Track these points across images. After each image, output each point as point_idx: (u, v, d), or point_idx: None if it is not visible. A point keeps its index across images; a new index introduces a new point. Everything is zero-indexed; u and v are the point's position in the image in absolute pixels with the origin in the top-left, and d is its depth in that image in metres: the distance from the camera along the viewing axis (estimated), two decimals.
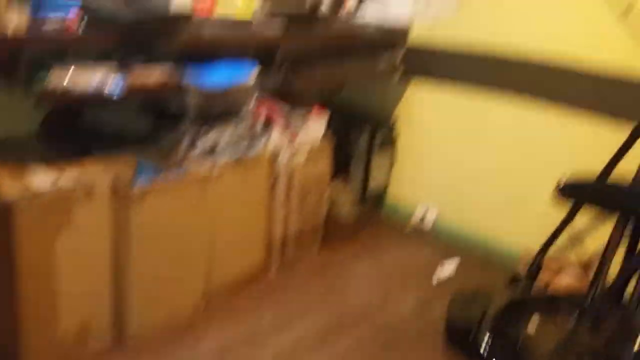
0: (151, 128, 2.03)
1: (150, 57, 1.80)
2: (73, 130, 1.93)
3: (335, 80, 2.79)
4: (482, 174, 2.72)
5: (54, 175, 1.64)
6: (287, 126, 2.27)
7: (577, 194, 1.75)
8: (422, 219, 2.97)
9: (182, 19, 1.87)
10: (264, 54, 2.17)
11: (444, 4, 2.68)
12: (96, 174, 1.71)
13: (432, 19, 2.73)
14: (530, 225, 2.41)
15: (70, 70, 1.61)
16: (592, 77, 2.27)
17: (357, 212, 2.97)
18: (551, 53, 2.38)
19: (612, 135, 2.05)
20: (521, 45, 2.46)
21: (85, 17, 1.64)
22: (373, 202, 3.11)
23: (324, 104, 3.07)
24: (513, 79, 2.53)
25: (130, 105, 2.04)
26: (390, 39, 2.78)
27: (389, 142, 3.01)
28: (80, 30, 1.63)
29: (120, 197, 1.74)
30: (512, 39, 2.49)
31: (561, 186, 1.71)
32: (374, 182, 3.03)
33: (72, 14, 1.63)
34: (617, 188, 1.73)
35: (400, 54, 2.81)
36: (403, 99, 2.99)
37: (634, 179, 1.69)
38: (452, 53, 2.70)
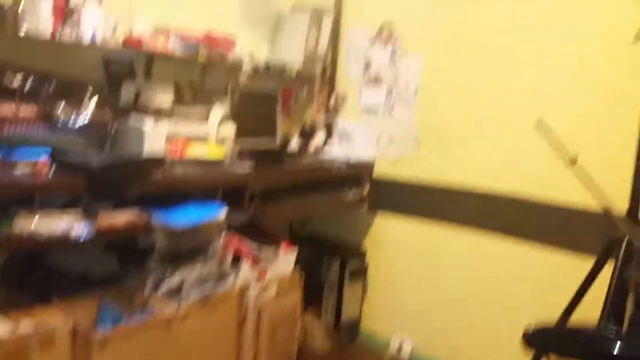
0: (116, 268, 2.02)
1: (121, 199, 1.84)
2: (35, 274, 1.91)
3: (304, 212, 2.87)
4: (453, 306, 2.72)
5: (13, 322, 1.59)
6: (256, 262, 2.28)
7: (541, 344, 1.74)
8: (399, 350, 2.90)
9: (155, 163, 1.95)
10: (233, 192, 2.24)
11: (404, 143, 2.85)
12: (57, 319, 1.67)
13: (394, 156, 2.90)
14: (507, 358, 2.38)
15: (38, 215, 1.63)
16: (550, 211, 2.37)
17: (331, 344, 2.90)
18: (508, 190, 2.50)
19: (578, 266, 2.11)
20: (480, 182, 2.59)
21: (56, 163, 1.70)
22: (347, 332, 3.04)
23: (294, 234, 3.12)
24: (475, 213, 2.63)
25: (96, 246, 2.05)
26: (356, 172, 2.91)
27: (360, 271, 3.03)
28: (50, 175, 1.68)
29: (82, 343, 1.67)
30: (470, 176, 2.63)
31: (526, 336, 1.71)
32: (347, 313, 3.00)
33: (43, 158, 1.69)
34: (580, 333, 1.73)
35: (366, 187, 2.92)
36: (371, 229, 3.05)
37: (599, 320, 1.71)
38: (416, 186, 2.82)
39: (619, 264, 1.80)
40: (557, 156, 1.94)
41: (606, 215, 1.86)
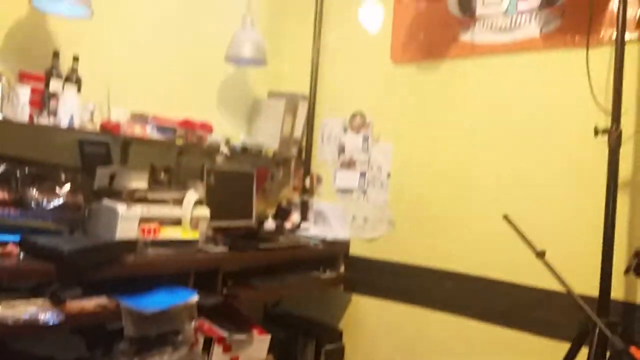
0: (83, 354, 1.95)
1: (91, 284, 1.81)
2: None
3: (279, 293, 2.83)
4: None
5: None
6: (228, 348, 2.22)
7: None
8: None
9: (127, 247, 1.94)
10: (206, 274, 2.22)
11: (379, 225, 2.89)
12: None
13: (369, 237, 2.93)
14: None
15: (5, 300, 1.59)
16: (525, 294, 2.39)
17: None
18: (482, 273, 2.53)
19: (556, 348, 2.12)
20: (453, 265, 2.62)
21: (26, 248, 1.68)
22: None
23: (268, 314, 3.07)
24: (450, 295, 2.63)
25: (63, 331, 1.98)
26: (332, 252, 2.92)
27: (337, 353, 2.95)
28: (19, 260, 1.66)
29: None
30: (443, 259, 2.65)
31: None
32: None
33: (13, 242, 1.68)
34: None
35: (342, 267, 2.92)
36: (348, 310, 3.01)
37: None
38: (391, 267, 2.82)
39: (592, 353, 1.80)
40: (526, 248, 1.98)
41: (577, 305, 1.88)
